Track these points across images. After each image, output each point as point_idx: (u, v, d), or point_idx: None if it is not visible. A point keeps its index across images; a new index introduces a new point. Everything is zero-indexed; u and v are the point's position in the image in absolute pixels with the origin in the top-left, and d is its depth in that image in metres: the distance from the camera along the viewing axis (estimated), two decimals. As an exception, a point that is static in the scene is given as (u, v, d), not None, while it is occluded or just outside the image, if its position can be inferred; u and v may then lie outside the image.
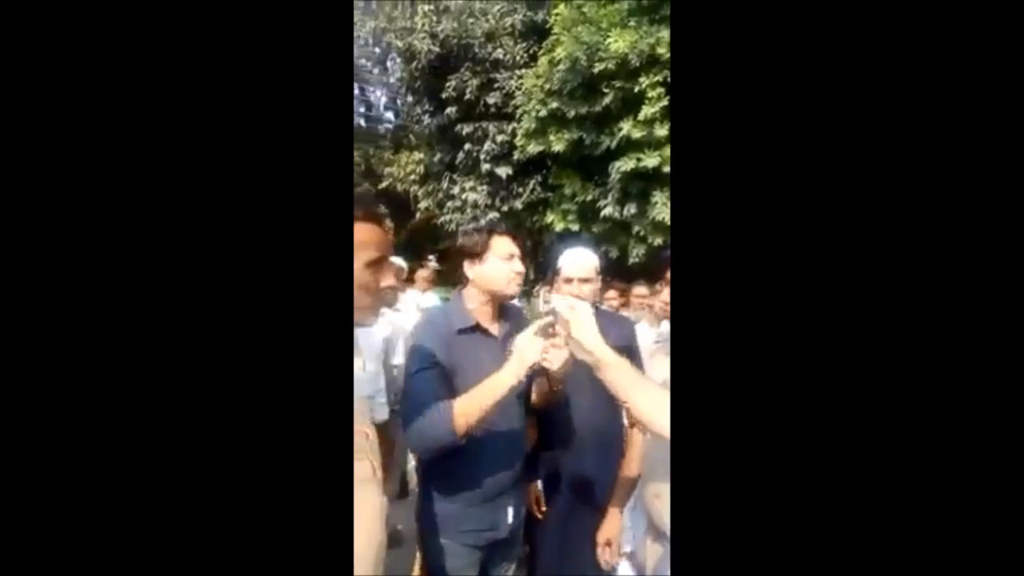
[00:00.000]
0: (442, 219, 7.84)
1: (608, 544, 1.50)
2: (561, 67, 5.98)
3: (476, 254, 1.30)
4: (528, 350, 1.09)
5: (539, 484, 1.67)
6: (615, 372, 0.92)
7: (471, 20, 7.28)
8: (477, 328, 1.31)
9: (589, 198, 6.33)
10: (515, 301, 1.57)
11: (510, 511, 1.34)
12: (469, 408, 1.11)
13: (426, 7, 7.33)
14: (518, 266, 1.31)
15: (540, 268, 7.39)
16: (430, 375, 1.21)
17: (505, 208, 7.41)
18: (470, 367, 1.23)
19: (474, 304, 1.33)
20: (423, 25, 7.22)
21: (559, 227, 6.55)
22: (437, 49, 7.23)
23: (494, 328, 1.34)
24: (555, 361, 1.11)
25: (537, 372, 1.27)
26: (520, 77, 6.84)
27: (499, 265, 1.29)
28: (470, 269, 1.33)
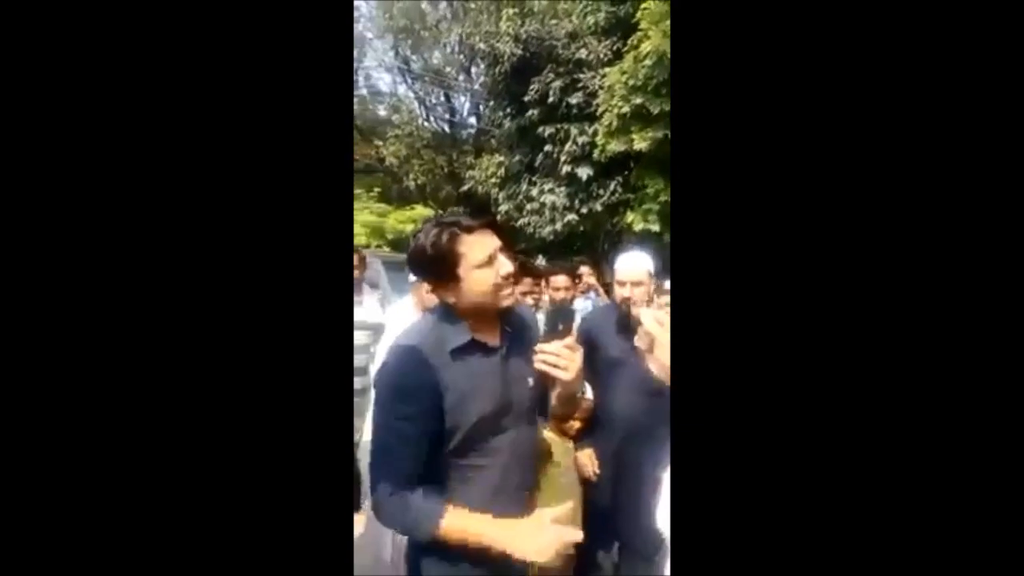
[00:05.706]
0: (520, 221, 7.85)
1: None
2: (647, 62, 5.77)
3: (442, 275, 0.95)
4: (535, 552, 0.88)
5: (592, 451, 1.72)
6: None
7: (554, 21, 7.25)
8: (474, 344, 0.99)
9: (673, 198, 6.06)
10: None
11: None
12: (459, 528, 0.92)
13: (510, 10, 7.41)
14: (505, 266, 0.95)
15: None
16: (411, 430, 0.94)
17: (584, 209, 7.27)
18: (468, 394, 0.96)
19: (467, 313, 0.99)
20: (507, 28, 7.30)
21: (639, 227, 6.30)
22: (520, 52, 7.27)
23: (493, 339, 1.02)
24: (571, 371, 0.93)
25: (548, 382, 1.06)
26: (603, 76, 6.69)
27: (478, 275, 0.93)
28: (444, 294, 0.99)
